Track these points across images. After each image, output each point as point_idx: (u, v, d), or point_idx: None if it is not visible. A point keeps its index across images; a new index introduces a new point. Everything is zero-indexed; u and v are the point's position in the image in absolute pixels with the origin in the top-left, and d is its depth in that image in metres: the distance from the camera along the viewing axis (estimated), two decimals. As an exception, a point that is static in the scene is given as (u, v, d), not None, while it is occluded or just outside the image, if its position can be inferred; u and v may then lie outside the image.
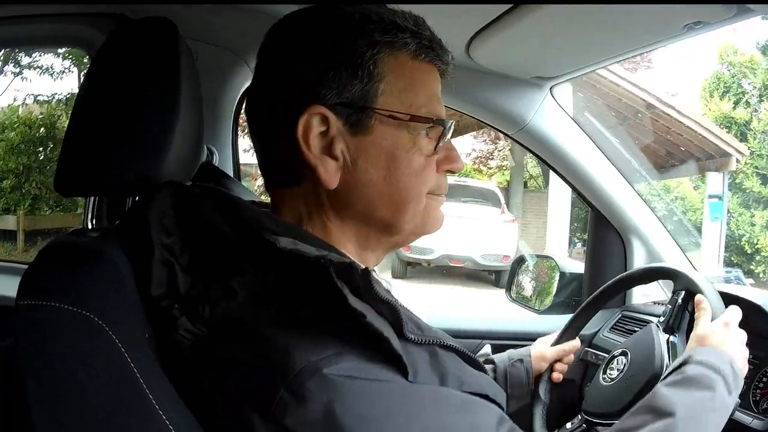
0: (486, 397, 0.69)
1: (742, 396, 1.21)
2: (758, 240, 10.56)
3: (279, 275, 0.64)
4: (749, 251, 10.76)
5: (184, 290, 0.64)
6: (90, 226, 0.73)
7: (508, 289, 1.86)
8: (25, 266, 0.63)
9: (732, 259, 10.80)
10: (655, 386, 0.91)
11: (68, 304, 0.59)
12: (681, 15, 1.02)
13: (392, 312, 0.63)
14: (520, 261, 1.91)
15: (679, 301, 1.11)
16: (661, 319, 1.13)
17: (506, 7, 1.11)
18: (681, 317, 1.11)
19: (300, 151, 0.69)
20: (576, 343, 1.27)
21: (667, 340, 1.08)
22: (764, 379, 1.21)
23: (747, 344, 0.99)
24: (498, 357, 1.23)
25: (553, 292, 1.77)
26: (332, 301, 0.60)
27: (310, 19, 0.74)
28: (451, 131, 0.76)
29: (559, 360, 1.26)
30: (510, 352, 1.25)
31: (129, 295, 0.64)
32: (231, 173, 1.39)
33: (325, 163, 0.69)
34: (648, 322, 1.21)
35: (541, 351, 1.26)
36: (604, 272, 1.70)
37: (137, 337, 0.61)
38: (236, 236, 0.66)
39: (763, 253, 10.59)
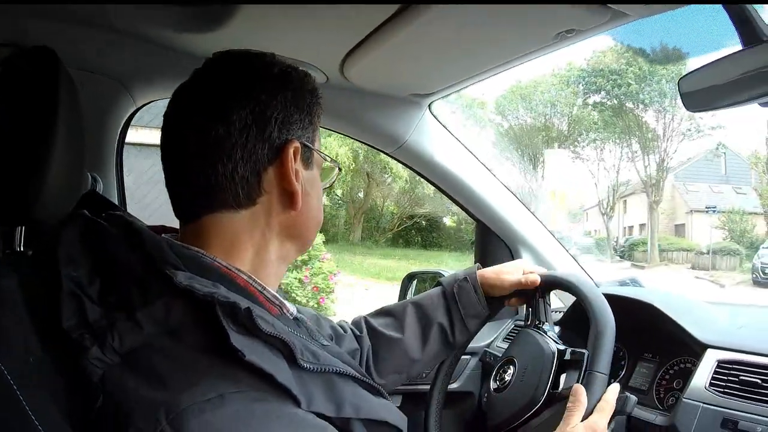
0: (386, 423, 0.75)
1: (644, 394, 1.25)
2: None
3: (180, 309, 0.66)
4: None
5: (93, 320, 0.65)
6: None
7: (400, 306, 1.82)
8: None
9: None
10: None
11: None
12: (553, 23, 1.01)
13: (282, 344, 0.67)
14: (410, 277, 1.88)
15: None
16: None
17: (377, 23, 1.07)
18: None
19: (282, 177, 0.75)
20: (536, 278, 1.19)
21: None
22: (666, 377, 1.26)
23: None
24: (444, 280, 1.24)
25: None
26: (222, 337, 0.62)
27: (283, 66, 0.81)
28: None
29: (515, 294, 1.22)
30: (456, 273, 1.24)
31: (14, 322, 0.66)
32: (116, 201, 1.38)
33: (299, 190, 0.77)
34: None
35: (497, 278, 1.21)
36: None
37: (22, 361, 0.64)
38: (141, 268, 0.68)
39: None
